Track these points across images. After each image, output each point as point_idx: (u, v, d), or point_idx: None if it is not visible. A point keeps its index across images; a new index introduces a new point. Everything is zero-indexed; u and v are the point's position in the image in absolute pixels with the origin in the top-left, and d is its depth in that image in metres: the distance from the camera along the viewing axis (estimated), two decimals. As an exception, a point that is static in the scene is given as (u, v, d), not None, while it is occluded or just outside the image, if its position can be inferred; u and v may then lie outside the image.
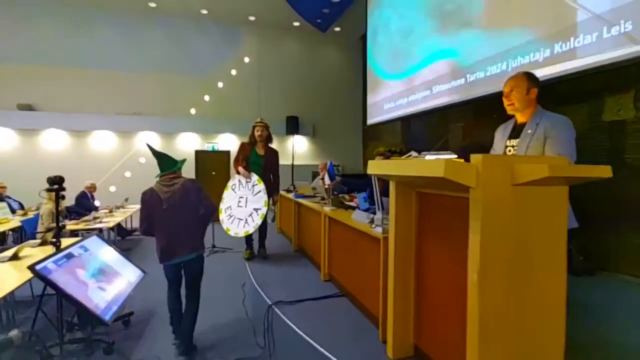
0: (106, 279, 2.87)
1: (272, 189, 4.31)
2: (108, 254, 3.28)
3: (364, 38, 8.06)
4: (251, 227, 4.02)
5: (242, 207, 4.11)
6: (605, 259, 3.47)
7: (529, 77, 1.94)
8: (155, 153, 2.35)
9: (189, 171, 8.27)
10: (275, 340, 2.54)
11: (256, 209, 4.07)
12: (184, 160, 2.43)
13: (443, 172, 1.30)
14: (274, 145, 4.54)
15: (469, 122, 5.34)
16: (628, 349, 2.03)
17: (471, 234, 1.39)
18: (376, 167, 1.91)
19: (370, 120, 7.08)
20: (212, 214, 2.38)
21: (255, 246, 4.65)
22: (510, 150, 1.94)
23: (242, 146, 4.36)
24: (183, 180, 2.26)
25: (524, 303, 1.40)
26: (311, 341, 2.20)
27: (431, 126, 6.31)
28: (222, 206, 4.14)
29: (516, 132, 1.94)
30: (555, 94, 3.62)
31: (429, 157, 2.05)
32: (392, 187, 2.02)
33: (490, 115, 4.82)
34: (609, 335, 2.20)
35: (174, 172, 2.30)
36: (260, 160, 4.29)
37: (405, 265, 2.02)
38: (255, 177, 4.18)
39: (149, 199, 2.21)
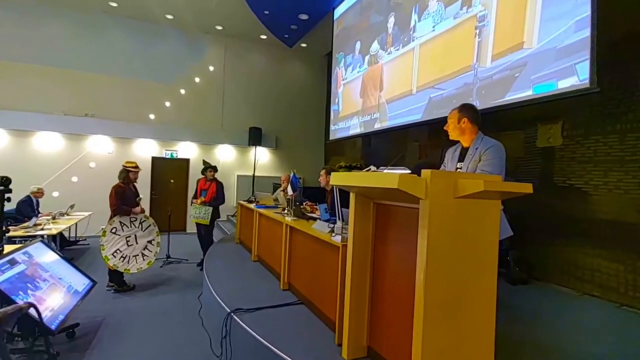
0: (52, 287, 2.70)
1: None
2: (54, 262, 3.10)
3: (329, 56, 8.37)
4: (151, 257, 4.42)
5: (132, 245, 4.23)
6: (537, 270, 3.88)
7: (461, 109, 2.25)
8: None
9: (144, 179, 7.91)
10: (233, 347, 2.55)
11: (150, 241, 4.44)
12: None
13: (397, 184, 1.46)
14: None
15: (424, 142, 5.74)
16: (556, 348, 2.32)
17: (420, 239, 1.56)
18: (339, 178, 2.05)
19: (332, 136, 7.32)
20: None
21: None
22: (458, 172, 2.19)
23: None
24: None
25: (462, 297, 1.60)
26: (269, 345, 2.24)
27: (390, 144, 6.68)
28: (107, 253, 3.99)
29: (462, 156, 2.21)
30: (495, 122, 4.06)
31: (386, 171, 2.25)
32: (352, 197, 2.17)
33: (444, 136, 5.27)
34: (538, 336, 2.49)
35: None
36: None
37: (362, 271, 2.16)
38: (142, 215, 4.42)
39: None
